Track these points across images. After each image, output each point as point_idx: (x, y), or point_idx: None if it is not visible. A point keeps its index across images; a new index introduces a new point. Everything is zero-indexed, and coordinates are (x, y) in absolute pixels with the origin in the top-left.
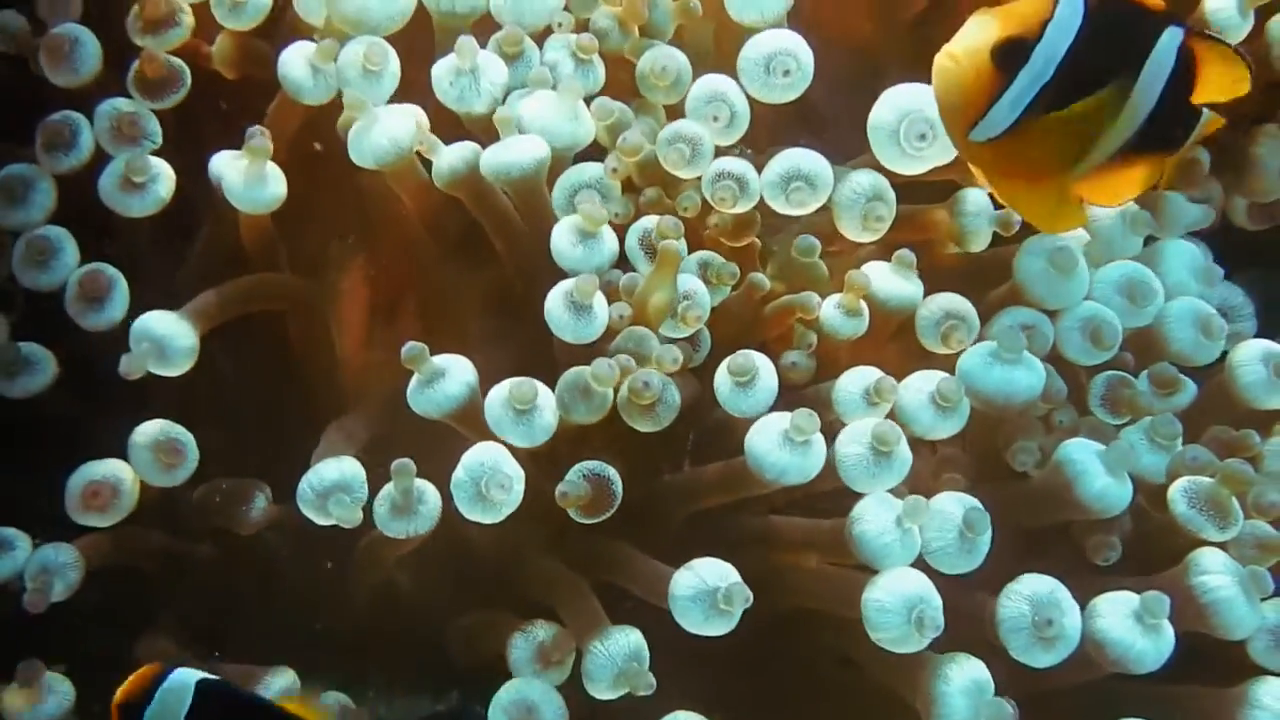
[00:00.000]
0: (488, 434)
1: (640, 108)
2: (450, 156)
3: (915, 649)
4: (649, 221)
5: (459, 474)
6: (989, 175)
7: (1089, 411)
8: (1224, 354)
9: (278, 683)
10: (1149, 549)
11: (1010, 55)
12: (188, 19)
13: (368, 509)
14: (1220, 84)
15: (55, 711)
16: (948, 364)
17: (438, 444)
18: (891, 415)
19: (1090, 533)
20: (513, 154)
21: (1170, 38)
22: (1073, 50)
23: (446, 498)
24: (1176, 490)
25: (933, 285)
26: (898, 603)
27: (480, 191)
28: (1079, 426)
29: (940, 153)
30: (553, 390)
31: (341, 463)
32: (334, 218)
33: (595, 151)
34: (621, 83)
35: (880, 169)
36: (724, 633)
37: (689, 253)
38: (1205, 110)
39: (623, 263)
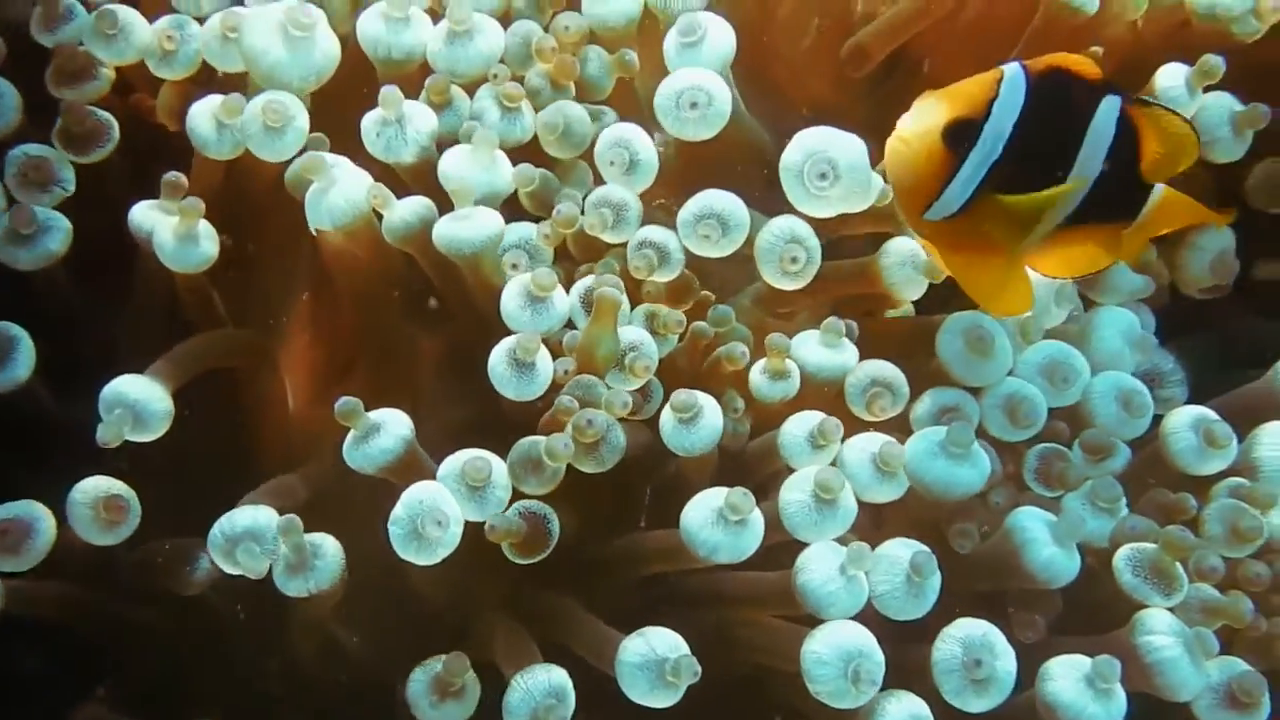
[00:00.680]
0: None
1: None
2: (402, 211)
3: (853, 704)
4: (591, 280)
5: (397, 511)
6: (941, 252)
7: (1028, 486)
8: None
9: None
10: (1096, 609)
11: (960, 136)
12: (107, 72)
13: None
14: (1166, 151)
15: None
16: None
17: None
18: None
19: (1033, 600)
20: (465, 230)
21: (1108, 107)
22: (1019, 127)
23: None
24: (1121, 559)
25: (876, 349)
26: (835, 655)
27: (431, 247)
28: (1018, 503)
29: (844, 195)
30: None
31: (256, 511)
32: (282, 270)
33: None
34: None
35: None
36: (667, 705)
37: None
38: (1158, 186)
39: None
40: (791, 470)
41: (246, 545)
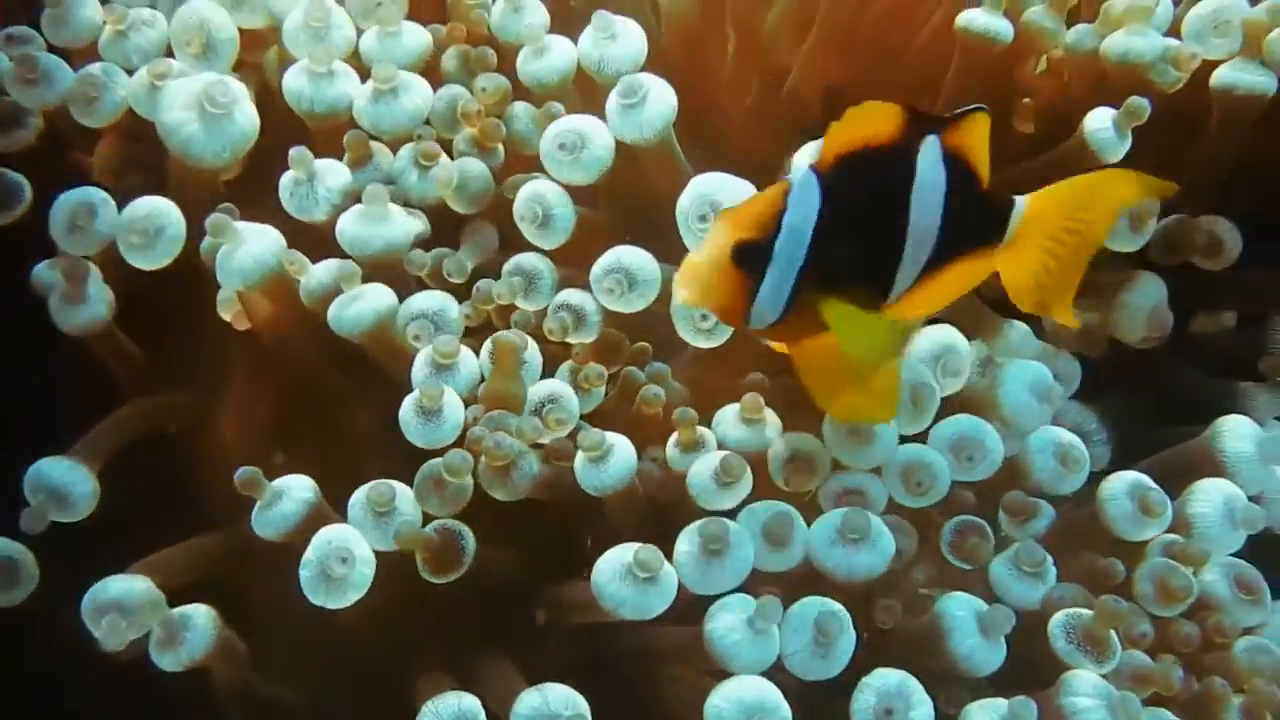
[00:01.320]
0: None
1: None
2: (319, 275)
3: None
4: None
5: (306, 554)
6: (790, 350)
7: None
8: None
9: None
10: (1024, 668)
11: (748, 256)
12: (35, 121)
13: None
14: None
15: None
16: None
17: None
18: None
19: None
20: (355, 310)
21: (929, 152)
22: (821, 227)
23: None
24: (1055, 625)
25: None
26: (735, 711)
27: None
28: (940, 576)
29: None
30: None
31: (132, 581)
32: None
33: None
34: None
35: None
36: None
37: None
38: (1019, 199)
39: None
40: (705, 512)
41: (112, 617)
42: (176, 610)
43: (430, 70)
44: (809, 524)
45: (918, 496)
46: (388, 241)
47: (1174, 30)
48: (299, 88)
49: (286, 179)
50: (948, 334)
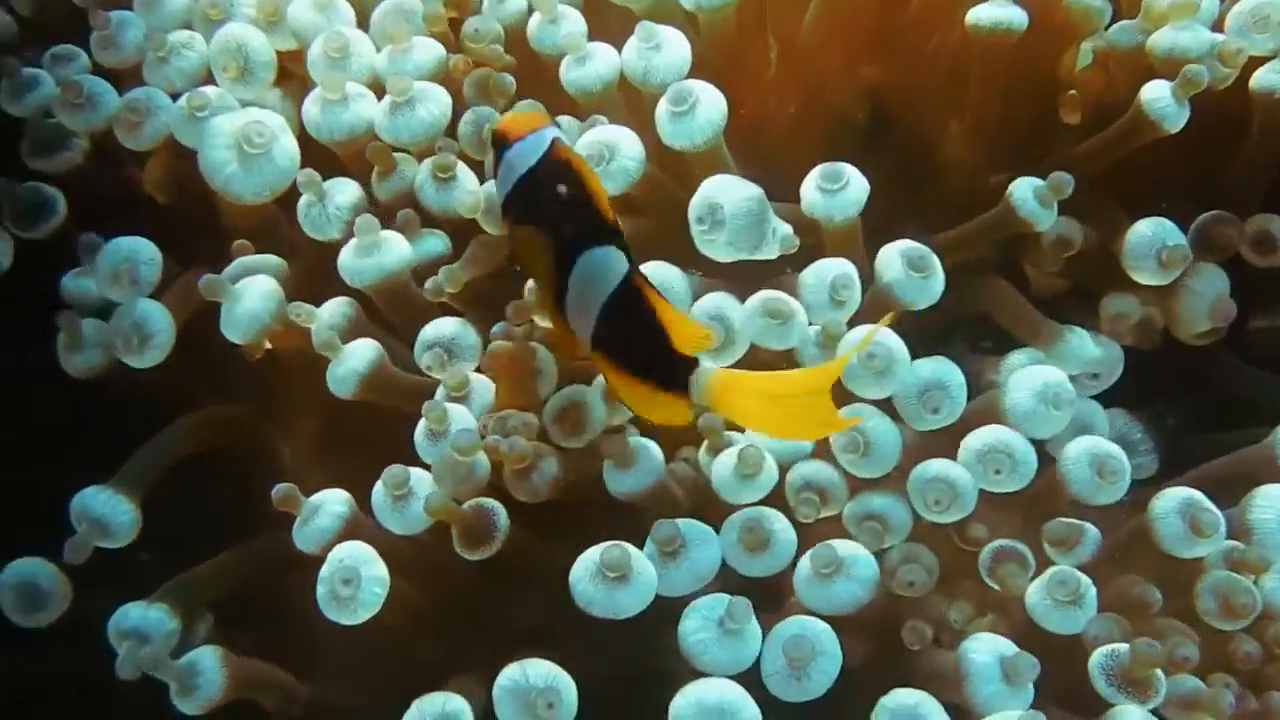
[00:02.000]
0: None
1: None
2: (325, 317)
3: None
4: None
5: (321, 572)
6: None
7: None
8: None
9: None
10: (1067, 693)
11: None
12: (81, 143)
13: None
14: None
15: None
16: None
17: None
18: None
19: None
20: (341, 369)
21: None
22: None
23: None
24: (1095, 667)
25: None
26: (695, 713)
27: None
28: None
29: (730, 239)
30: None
31: (148, 610)
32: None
33: None
34: None
35: None
36: None
37: None
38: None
39: None
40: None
41: (129, 645)
42: (184, 659)
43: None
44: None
45: (940, 514)
46: (383, 270)
47: (1217, 27)
48: (314, 117)
49: (302, 202)
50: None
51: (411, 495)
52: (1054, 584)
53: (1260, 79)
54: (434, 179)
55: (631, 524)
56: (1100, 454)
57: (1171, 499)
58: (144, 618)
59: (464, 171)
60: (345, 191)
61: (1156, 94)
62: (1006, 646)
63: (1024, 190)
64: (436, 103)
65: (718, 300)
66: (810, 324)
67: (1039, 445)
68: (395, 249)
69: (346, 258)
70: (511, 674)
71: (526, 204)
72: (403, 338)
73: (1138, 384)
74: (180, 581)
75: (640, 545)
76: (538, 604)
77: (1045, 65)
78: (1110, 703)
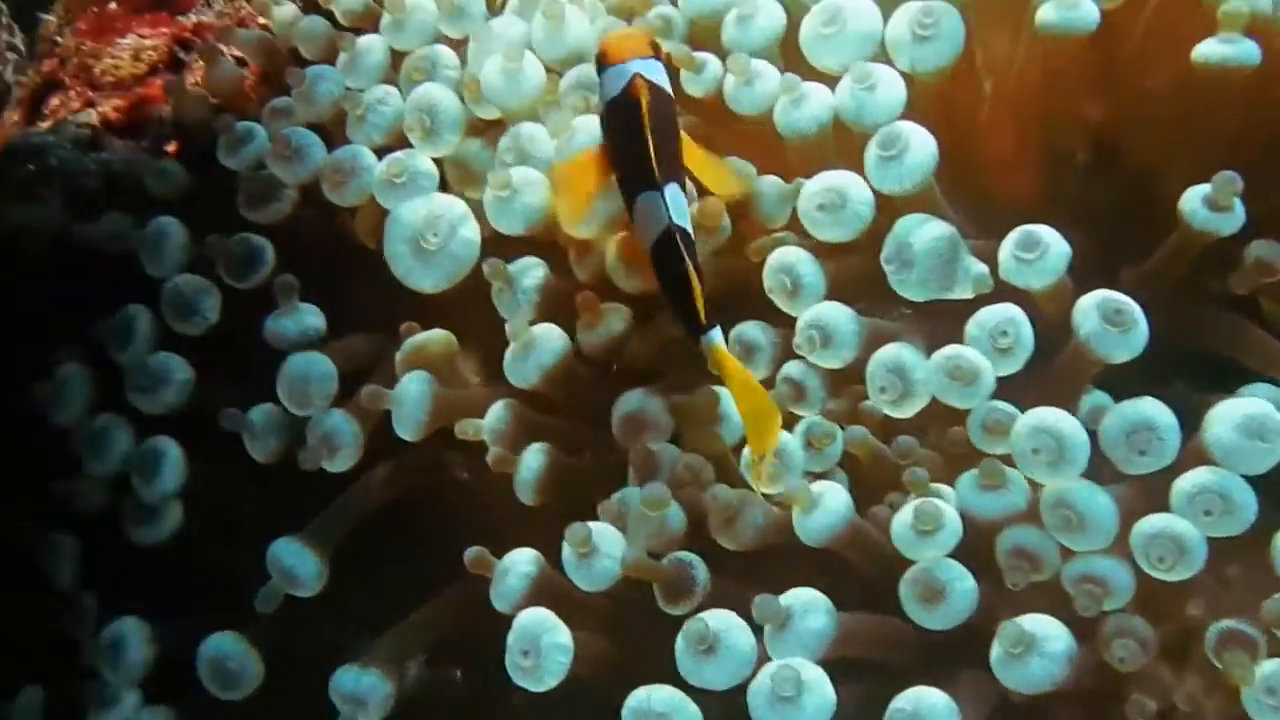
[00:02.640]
0: None
1: None
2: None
3: None
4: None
5: (508, 639)
6: None
7: None
8: None
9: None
10: None
11: None
12: (290, 194)
13: None
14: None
15: None
16: None
17: None
18: None
19: None
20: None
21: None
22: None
23: None
24: None
25: None
26: None
27: None
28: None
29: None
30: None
31: (363, 674)
32: None
33: None
34: None
35: None
36: None
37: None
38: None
39: None
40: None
41: (346, 710)
42: None
43: None
44: None
45: (1165, 572)
46: (542, 366)
47: None
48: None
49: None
50: None
51: (597, 551)
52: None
53: None
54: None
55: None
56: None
57: None
58: (359, 682)
59: None
60: (532, 274)
61: None
62: None
63: (1193, 201)
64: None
65: (895, 352)
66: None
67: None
68: (550, 343)
69: (509, 362)
70: (637, 695)
71: (605, 131)
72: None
73: None
74: (390, 638)
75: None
76: None
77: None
78: None
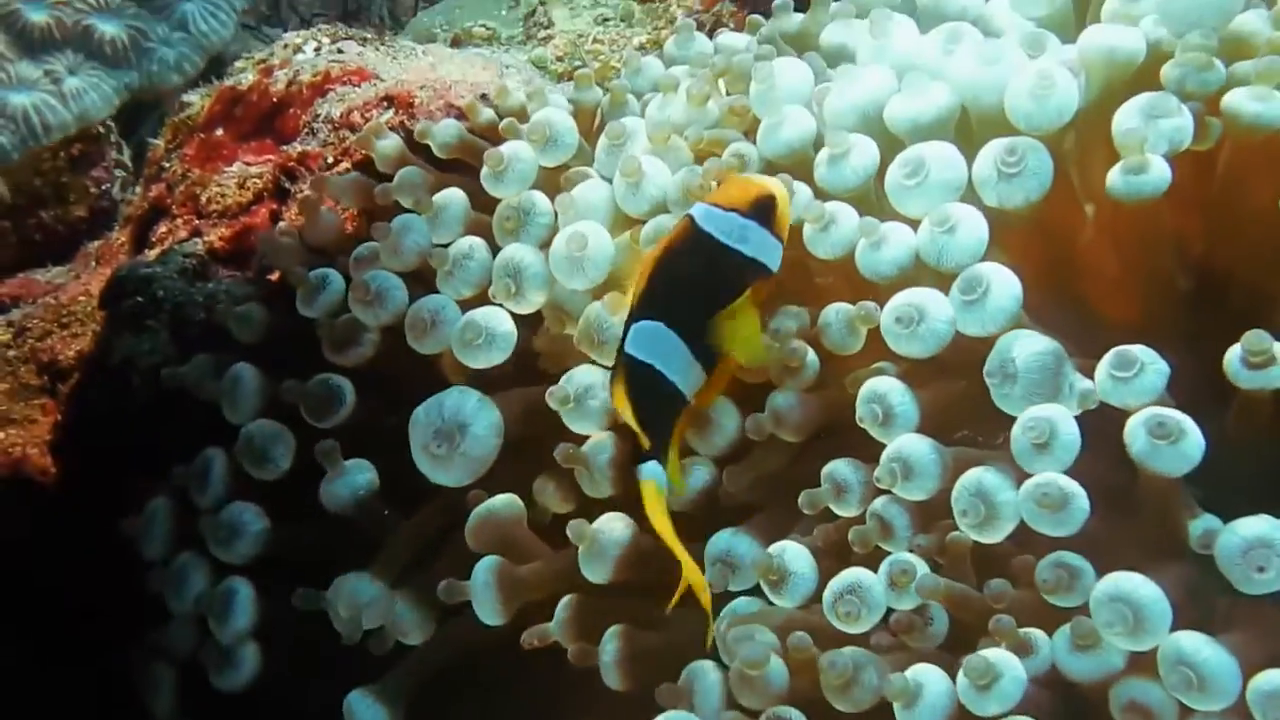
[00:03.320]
0: None
1: None
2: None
3: None
4: None
5: None
6: None
7: None
8: None
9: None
10: None
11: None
12: (372, 337)
13: None
14: None
15: None
16: None
17: None
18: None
19: None
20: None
21: None
22: None
23: None
24: None
25: None
26: None
27: None
28: None
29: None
30: None
31: None
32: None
33: None
34: None
35: None
36: None
37: None
38: None
39: None
40: None
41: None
42: None
43: None
44: None
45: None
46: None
47: None
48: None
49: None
50: None
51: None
52: None
53: None
54: None
55: None
56: None
57: None
58: None
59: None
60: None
61: None
62: None
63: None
64: None
65: (978, 475)
66: None
67: None
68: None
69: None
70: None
71: None
72: None
73: None
74: None
75: None
76: None
77: None
78: None
